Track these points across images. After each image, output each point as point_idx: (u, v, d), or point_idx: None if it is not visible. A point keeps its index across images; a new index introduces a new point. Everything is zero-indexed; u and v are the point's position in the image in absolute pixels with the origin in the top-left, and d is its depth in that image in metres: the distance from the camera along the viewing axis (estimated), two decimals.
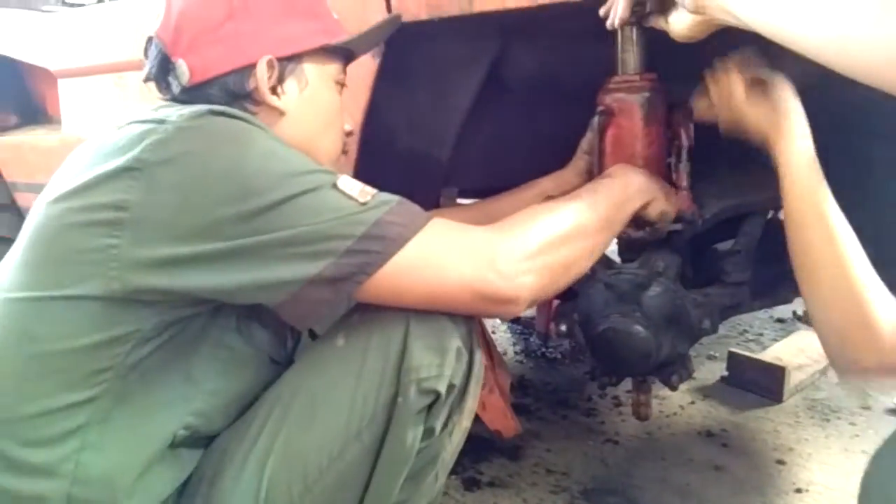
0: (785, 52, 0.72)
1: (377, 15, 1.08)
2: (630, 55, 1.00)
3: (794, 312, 2.58)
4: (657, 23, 0.93)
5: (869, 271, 0.84)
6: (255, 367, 0.91)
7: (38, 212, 0.80)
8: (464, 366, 0.85)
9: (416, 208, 0.82)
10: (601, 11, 0.95)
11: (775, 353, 1.98)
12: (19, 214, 1.90)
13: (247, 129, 0.79)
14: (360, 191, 0.79)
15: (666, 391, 1.84)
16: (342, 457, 0.82)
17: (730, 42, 0.89)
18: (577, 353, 1.19)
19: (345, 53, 0.98)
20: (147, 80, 0.92)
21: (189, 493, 0.85)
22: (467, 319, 0.86)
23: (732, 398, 1.88)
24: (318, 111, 0.95)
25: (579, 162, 1.17)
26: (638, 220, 1.00)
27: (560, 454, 1.62)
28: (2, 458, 0.76)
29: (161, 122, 0.77)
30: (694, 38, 0.86)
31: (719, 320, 1.12)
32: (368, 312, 0.83)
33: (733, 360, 1.98)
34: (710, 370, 2.04)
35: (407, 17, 1.07)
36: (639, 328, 1.05)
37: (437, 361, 0.82)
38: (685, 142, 1.04)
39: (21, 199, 1.88)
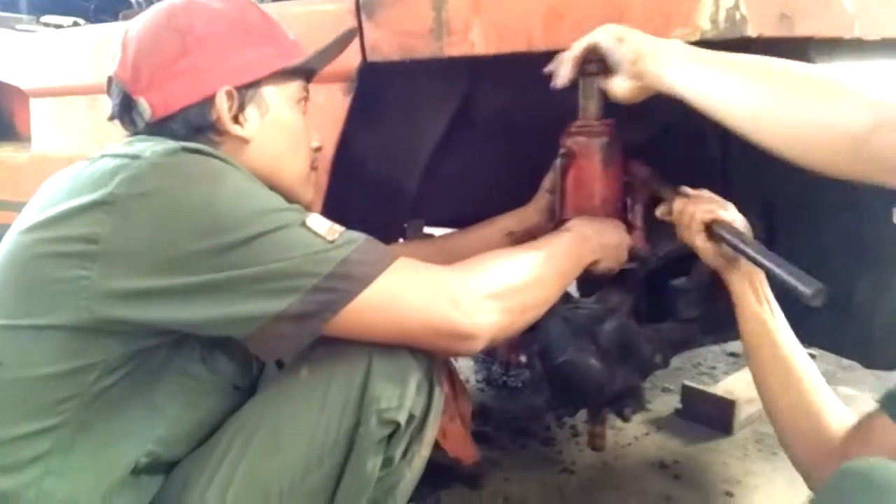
0: None
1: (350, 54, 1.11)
2: (591, 102, 1.05)
3: None
4: (600, 84, 0.99)
5: (821, 385, 0.93)
6: (219, 395, 0.92)
7: (8, 241, 0.81)
8: (424, 398, 0.87)
9: (382, 247, 0.85)
10: (545, 70, 0.99)
11: (727, 386, 2.01)
12: None
13: (220, 167, 0.81)
14: (329, 229, 0.81)
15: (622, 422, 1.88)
16: (303, 483, 0.83)
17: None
18: (537, 382, 1.23)
19: (305, 71, 0.99)
20: (111, 118, 0.93)
21: None
22: (429, 353, 0.88)
23: (685, 430, 1.91)
24: (282, 133, 0.95)
25: (541, 200, 1.22)
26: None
27: (518, 483, 1.64)
28: None
29: (135, 157, 0.78)
30: (633, 101, 0.93)
31: (671, 355, 1.17)
32: (333, 345, 0.85)
33: (687, 392, 2.03)
34: (665, 402, 2.08)
35: (381, 58, 1.11)
36: (594, 361, 1.09)
37: (398, 393, 0.84)
38: (640, 186, 1.10)
39: None
